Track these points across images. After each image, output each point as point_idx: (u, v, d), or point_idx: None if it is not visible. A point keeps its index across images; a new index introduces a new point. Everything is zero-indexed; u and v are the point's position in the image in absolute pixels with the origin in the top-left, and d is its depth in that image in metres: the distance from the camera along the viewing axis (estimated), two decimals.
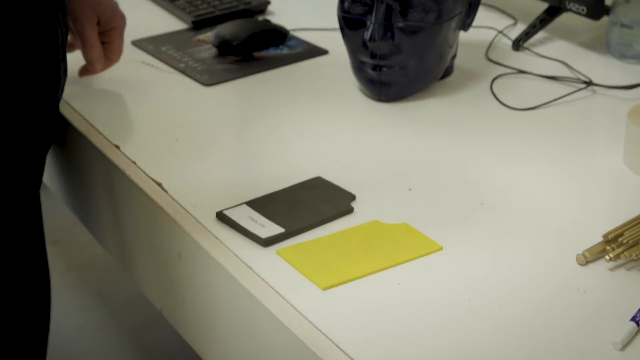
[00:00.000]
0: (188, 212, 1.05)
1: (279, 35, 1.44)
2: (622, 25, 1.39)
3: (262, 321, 0.92)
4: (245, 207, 1.04)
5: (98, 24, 1.28)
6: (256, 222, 1.02)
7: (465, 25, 1.30)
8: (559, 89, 1.31)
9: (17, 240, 1.18)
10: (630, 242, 0.95)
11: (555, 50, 1.43)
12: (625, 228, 0.97)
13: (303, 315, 0.89)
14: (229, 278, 0.96)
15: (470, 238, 1.00)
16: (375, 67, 1.26)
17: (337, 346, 0.86)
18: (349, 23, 1.27)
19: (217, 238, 1.00)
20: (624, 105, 1.24)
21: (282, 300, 0.91)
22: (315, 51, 1.44)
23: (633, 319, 0.87)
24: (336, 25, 1.31)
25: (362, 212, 1.04)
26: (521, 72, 1.36)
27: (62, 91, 1.18)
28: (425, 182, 1.10)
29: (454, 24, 1.26)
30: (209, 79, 1.34)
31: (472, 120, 1.24)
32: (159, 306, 1.14)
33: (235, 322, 0.98)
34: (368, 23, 1.24)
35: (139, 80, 1.36)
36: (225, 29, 1.41)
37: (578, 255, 0.95)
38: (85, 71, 1.32)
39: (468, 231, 1.01)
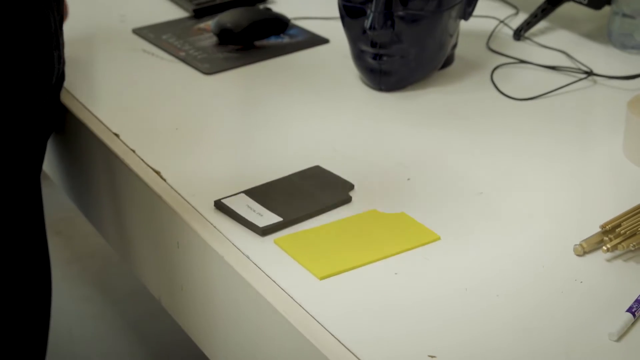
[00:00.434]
0: (186, 201, 1.05)
1: (280, 24, 1.44)
2: (624, 15, 1.38)
3: (258, 310, 0.92)
4: (244, 196, 1.04)
5: None
6: (254, 211, 1.02)
7: (466, 14, 1.29)
8: (560, 79, 1.31)
9: (17, 228, 1.18)
10: (627, 232, 0.95)
11: (557, 40, 1.43)
12: (623, 219, 0.97)
13: (299, 305, 0.89)
14: (227, 267, 0.96)
15: (468, 228, 1.00)
16: (375, 56, 1.26)
17: (333, 335, 0.86)
18: (350, 11, 1.26)
19: (215, 227, 1.01)
20: (625, 96, 1.24)
21: (279, 289, 0.92)
22: (316, 40, 1.43)
23: (629, 309, 0.86)
24: (337, 14, 1.31)
25: (361, 202, 1.04)
26: (522, 62, 1.36)
27: (59, 79, 1.17)
28: (424, 171, 1.10)
29: (454, 13, 1.26)
30: (210, 68, 1.34)
31: (472, 110, 1.24)
32: (158, 295, 1.14)
33: (233, 311, 0.98)
34: (368, 11, 1.23)
35: (140, 68, 1.36)
36: (226, 18, 1.41)
37: (575, 245, 0.95)
38: None
39: (466, 221, 1.01)
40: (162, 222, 1.07)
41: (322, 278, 0.93)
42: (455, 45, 1.34)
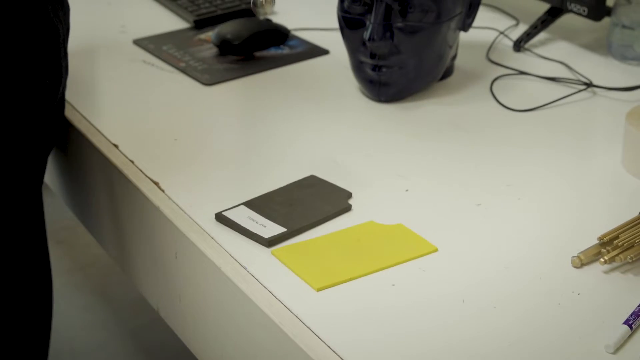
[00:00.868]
0: (184, 212, 1.05)
1: (280, 35, 1.44)
2: (623, 26, 1.39)
3: (255, 322, 0.92)
4: (244, 207, 1.05)
5: None
6: (256, 222, 1.02)
7: (465, 25, 1.30)
8: (559, 90, 1.31)
9: (18, 238, 1.18)
10: (625, 244, 0.95)
11: (556, 51, 1.43)
12: (620, 230, 0.97)
13: (296, 316, 0.89)
14: (224, 278, 0.96)
15: (466, 239, 1.00)
16: (374, 67, 1.26)
17: (329, 347, 0.86)
18: (349, 23, 1.27)
19: (212, 238, 1.01)
20: (624, 107, 1.24)
21: (276, 300, 0.92)
22: (316, 51, 1.44)
23: (626, 322, 0.86)
24: (337, 25, 1.31)
25: (359, 212, 1.04)
26: (521, 73, 1.36)
27: (64, 88, 1.18)
28: (423, 183, 1.10)
29: (453, 24, 1.26)
30: (210, 79, 1.35)
31: (472, 122, 1.24)
32: (156, 305, 1.14)
33: (230, 322, 0.98)
34: (367, 23, 1.24)
35: (140, 79, 1.36)
36: (227, 29, 1.41)
37: (573, 257, 0.95)
38: None
39: (464, 233, 1.01)
40: (161, 233, 1.08)
41: (319, 289, 0.93)
42: (454, 57, 1.34)
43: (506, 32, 1.48)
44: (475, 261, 0.97)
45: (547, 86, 1.33)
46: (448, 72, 1.34)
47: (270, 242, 0.99)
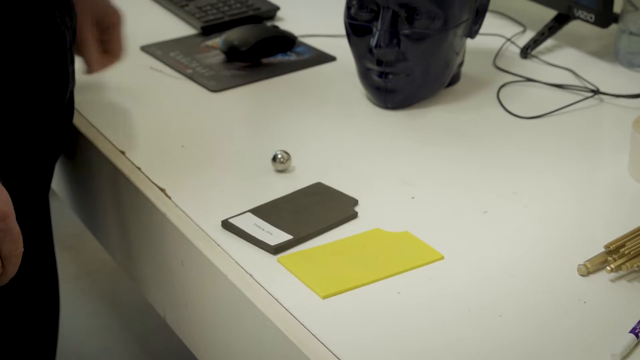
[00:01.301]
0: (191, 219, 1.05)
1: (287, 42, 1.44)
2: (631, 33, 1.38)
3: (261, 329, 0.92)
4: (250, 215, 1.05)
5: (96, 24, 1.27)
6: (263, 229, 1.02)
7: (472, 32, 1.29)
8: (566, 97, 1.31)
9: (26, 244, 1.18)
10: (631, 253, 0.95)
11: (564, 58, 1.43)
12: (627, 239, 0.97)
13: (302, 324, 0.89)
14: (230, 285, 0.96)
15: (472, 247, 1.00)
16: (381, 74, 1.26)
17: (335, 355, 0.86)
18: (356, 29, 1.27)
19: (219, 245, 1.01)
20: (631, 115, 1.24)
21: (282, 308, 0.92)
22: (323, 58, 1.44)
23: (632, 330, 0.86)
24: (344, 31, 1.31)
25: (365, 220, 1.04)
26: (528, 80, 1.36)
27: (71, 94, 1.18)
28: (429, 190, 1.10)
29: (460, 31, 1.26)
30: (217, 85, 1.35)
31: (478, 129, 1.24)
32: (163, 312, 1.15)
33: (236, 329, 0.98)
34: (374, 30, 1.24)
35: (147, 85, 1.37)
36: (234, 35, 1.42)
37: (579, 265, 0.95)
38: (86, 70, 1.30)
39: (470, 240, 1.01)
40: (167, 240, 1.08)
41: (325, 297, 0.93)
42: (461, 63, 1.34)
43: (513, 39, 1.48)
44: (481, 269, 0.96)
45: (554, 93, 1.32)
46: (455, 79, 1.34)
47: (276, 250, 0.99)
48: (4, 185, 0.95)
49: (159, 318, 1.16)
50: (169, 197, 1.09)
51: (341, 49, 1.42)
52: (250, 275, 0.96)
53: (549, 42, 1.47)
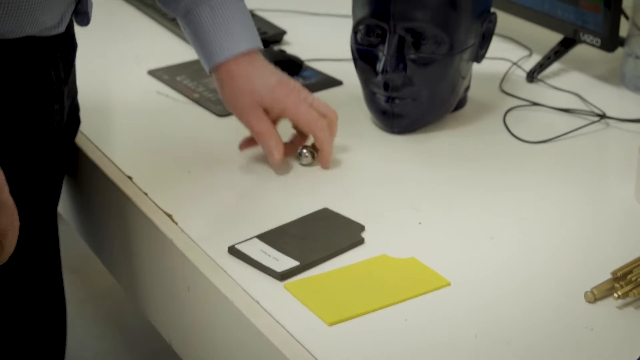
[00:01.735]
0: (197, 245, 1.05)
1: (294, 66, 1.44)
2: (637, 57, 1.39)
3: (267, 356, 0.92)
4: (257, 240, 1.05)
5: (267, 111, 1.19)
6: (269, 255, 1.02)
7: (479, 57, 1.30)
8: (573, 121, 1.31)
9: (34, 266, 1.18)
10: (639, 279, 0.94)
11: (570, 82, 1.43)
12: (634, 265, 0.97)
13: (308, 351, 0.89)
14: (236, 312, 0.96)
15: (479, 273, 1.00)
16: (387, 99, 1.26)
17: None
18: (362, 54, 1.27)
19: (225, 272, 1.01)
20: (637, 139, 1.24)
21: (288, 335, 0.91)
22: (330, 82, 1.44)
23: None
24: (351, 56, 1.31)
25: (372, 245, 1.04)
26: (535, 104, 1.36)
27: (69, 125, 1.19)
28: (436, 215, 1.10)
29: (466, 55, 1.26)
30: (223, 110, 1.35)
31: (484, 153, 1.24)
32: (168, 338, 1.14)
33: (242, 356, 0.98)
34: (380, 55, 1.24)
35: (154, 110, 1.37)
36: None
37: (586, 292, 0.95)
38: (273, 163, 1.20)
39: (476, 266, 1.01)
40: (173, 266, 1.08)
41: (331, 324, 0.92)
42: (467, 88, 1.34)
43: (519, 63, 1.48)
44: (488, 296, 0.96)
45: (561, 117, 1.32)
46: (461, 104, 1.34)
47: (282, 276, 0.99)
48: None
49: (164, 342, 1.15)
50: (176, 223, 1.09)
51: (347, 73, 1.42)
52: (257, 302, 0.96)
53: (555, 66, 1.47)
